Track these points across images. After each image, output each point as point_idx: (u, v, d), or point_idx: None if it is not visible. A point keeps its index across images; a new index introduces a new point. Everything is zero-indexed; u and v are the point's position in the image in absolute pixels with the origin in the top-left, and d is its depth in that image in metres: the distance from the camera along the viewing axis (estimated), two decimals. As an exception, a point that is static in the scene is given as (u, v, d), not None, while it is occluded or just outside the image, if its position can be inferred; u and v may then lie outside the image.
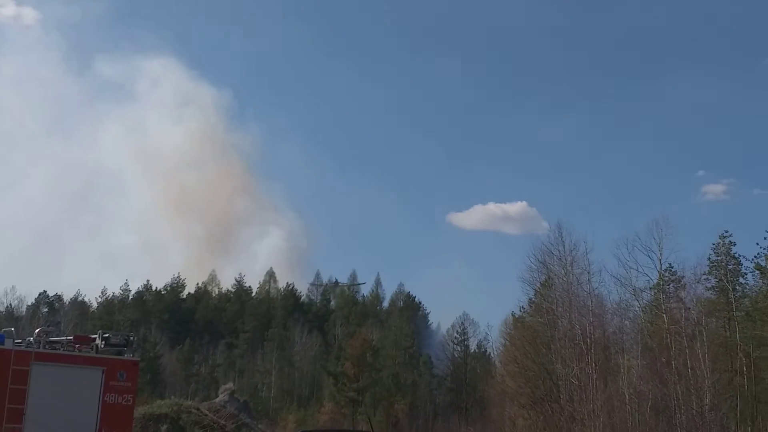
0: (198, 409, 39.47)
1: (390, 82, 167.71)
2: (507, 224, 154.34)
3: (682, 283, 40.38)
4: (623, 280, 40.27)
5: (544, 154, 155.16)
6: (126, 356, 16.68)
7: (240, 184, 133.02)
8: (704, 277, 41.39)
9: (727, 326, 41.69)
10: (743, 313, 41.66)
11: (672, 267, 40.21)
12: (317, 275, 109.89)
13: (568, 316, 40.42)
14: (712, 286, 42.74)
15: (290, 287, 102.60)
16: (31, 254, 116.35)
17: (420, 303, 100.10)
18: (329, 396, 69.69)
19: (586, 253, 40.96)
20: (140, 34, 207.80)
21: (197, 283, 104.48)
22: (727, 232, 43.39)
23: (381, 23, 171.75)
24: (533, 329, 44.69)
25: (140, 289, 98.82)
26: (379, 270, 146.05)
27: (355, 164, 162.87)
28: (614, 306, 41.64)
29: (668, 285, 40.84)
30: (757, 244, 41.98)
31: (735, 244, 43.01)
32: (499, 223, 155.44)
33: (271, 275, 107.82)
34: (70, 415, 15.58)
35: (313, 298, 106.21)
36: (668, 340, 36.49)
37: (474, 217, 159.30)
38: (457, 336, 78.23)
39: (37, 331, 16.42)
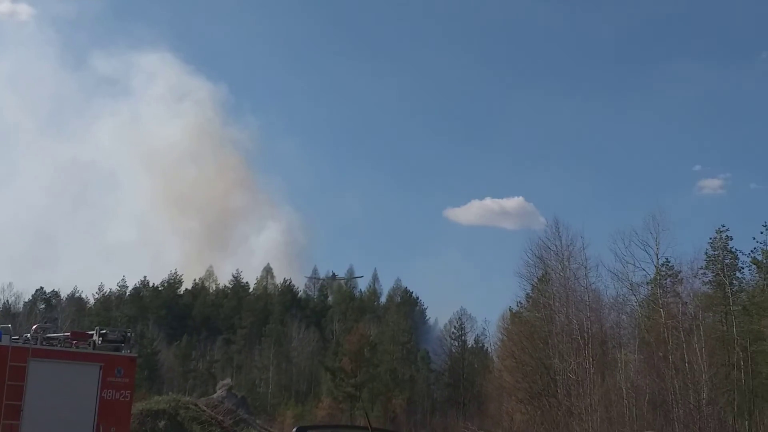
0: (196, 404, 39.58)
1: (388, 77, 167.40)
2: (504, 219, 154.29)
3: (679, 277, 40.54)
4: (620, 275, 40.50)
5: (541, 149, 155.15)
6: (123, 352, 16.59)
7: (237, 179, 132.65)
8: (701, 271, 41.62)
9: (724, 320, 41.82)
10: (740, 308, 41.76)
11: (669, 261, 40.41)
12: (314, 270, 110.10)
13: (565, 310, 40.44)
14: (709, 280, 42.90)
15: (287, 283, 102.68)
16: (27, 250, 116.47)
17: (417, 298, 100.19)
18: (327, 391, 69.76)
19: (583, 248, 41.08)
20: (135, 29, 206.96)
21: (194, 279, 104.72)
22: (723, 226, 43.61)
23: (377, 17, 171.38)
24: (530, 324, 44.76)
25: (137, 285, 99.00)
26: (376, 265, 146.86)
27: (352, 159, 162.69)
28: (611, 301, 41.80)
29: (665, 279, 40.98)
30: (754, 238, 42.35)
31: (732, 239, 43.28)
32: (496, 218, 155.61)
33: (268, 271, 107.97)
34: (67, 412, 15.53)
35: (310, 293, 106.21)
36: (665, 334, 36.58)
37: (471, 212, 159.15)
38: (455, 331, 78.21)
39: (34, 327, 16.33)
